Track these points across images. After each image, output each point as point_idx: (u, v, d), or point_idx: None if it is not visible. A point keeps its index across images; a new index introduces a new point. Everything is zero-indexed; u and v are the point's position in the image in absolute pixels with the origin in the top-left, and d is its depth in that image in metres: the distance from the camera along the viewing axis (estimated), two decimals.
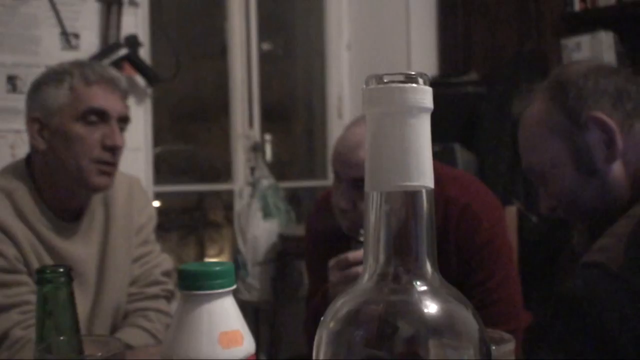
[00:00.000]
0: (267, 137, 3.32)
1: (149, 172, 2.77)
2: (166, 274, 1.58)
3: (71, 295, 0.77)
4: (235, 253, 3.00)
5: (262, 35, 3.24)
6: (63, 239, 1.44)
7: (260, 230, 2.96)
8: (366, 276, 0.46)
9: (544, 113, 1.11)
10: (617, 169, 1.06)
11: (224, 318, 0.60)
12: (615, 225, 0.97)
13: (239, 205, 3.06)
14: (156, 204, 2.87)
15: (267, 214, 2.98)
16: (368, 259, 0.47)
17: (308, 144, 3.70)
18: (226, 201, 3.23)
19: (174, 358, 0.59)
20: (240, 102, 3.16)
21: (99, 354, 0.70)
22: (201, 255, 3.31)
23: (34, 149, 1.45)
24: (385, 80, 0.45)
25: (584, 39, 2.61)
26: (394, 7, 3.21)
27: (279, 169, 3.28)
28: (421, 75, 0.45)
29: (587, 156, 1.07)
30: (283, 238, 2.98)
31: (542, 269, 2.17)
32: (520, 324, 1.38)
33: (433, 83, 0.47)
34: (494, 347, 0.70)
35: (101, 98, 1.42)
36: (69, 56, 2.38)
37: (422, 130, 0.45)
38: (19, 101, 2.32)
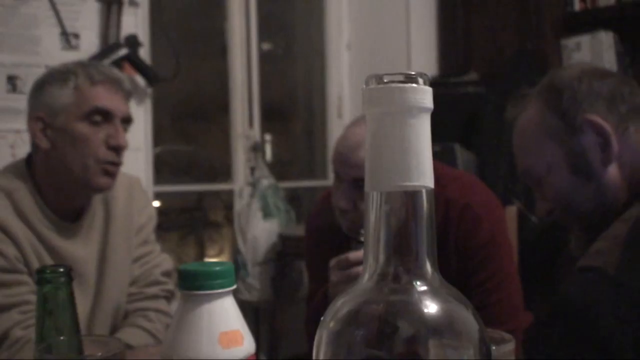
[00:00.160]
0: (267, 137, 3.32)
1: (149, 172, 2.77)
2: (166, 274, 1.58)
3: (71, 295, 0.77)
4: (235, 253, 3.00)
5: (262, 35, 3.24)
6: (63, 239, 1.44)
7: (260, 230, 2.96)
8: (366, 276, 0.47)
9: (539, 117, 1.11)
10: (612, 171, 1.06)
11: (224, 318, 0.60)
12: (611, 228, 0.97)
13: (239, 205, 3.06)
14: (156, 204, 2.87)
15: (267, 214, 2.98)
16: (368, 259, 0.47)
17: (308, 144, 3.70)
18: (226, 201, 3.23)
19: (174, 358, 0.59)
20: (240, 102, 3.16)
21: (99, 354, 0.70)
22: (201, 255, 3.31)
23: (36, 148, 1.45)
24: (385, 80, 0.45)
25: (584, 39, 2.61)
26: (394, 7, 3.21)
27: (279, 169, 3.28)
28: (421, 75, 0.45)
29: (583, 159, 1.07)
30: (283, 238, 2.98)
31: (542, 269, 2.17)
32: (520, 324, 1.38)
33: (433, 83, 0.47)
34: (494, 347, 0.70)
35: (106, 98, 1.43)
36: (69, 56, 2.38)
37: (422, 130, 0.45)
38: (19, 101, 2.32)
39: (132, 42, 2.62)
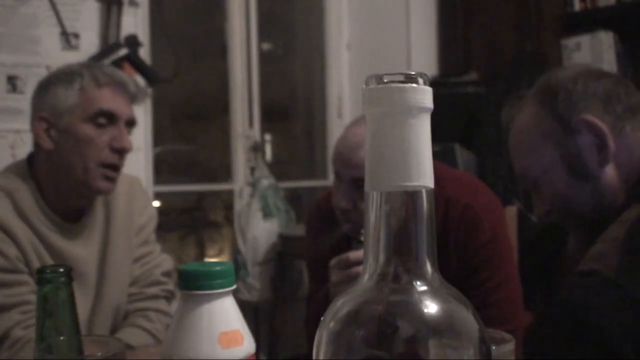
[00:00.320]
0: (267, 137, 3.33)
1: (149, 172, 2.77)
2: (166, 274, 1.58)
3: (71, 296, 0.77)
4: (235, 253, 3.00)
5: (262, 35, 3.24)
6: (64, 239, 1.44)
7: (260, 230, 2.96)
8: (366, 276, 0.47)
9: (534, 119, 1.11)
10: (609, 172, 1.06)
11: (224, 318, 0.60)
12: (609, 230, 0.97)
13: (239, 205, 3.07)
14: (156, 204, 2.87)
15: (267, 214, 2.98)
16: (368, 259, 0.47)
17: (308, 144, 3.70)
18: (226, 201, 3.24)
19: (174, 358, 0.59)
20: (240, 102, 3.16)
21: (99, 354, 0.70)
22: (201, 255, 3.31)
23: (38, 148, 1.45)
24: (385, 80, 0.45)
25: (584, 39, 2.61)
26: (394, 7, 3.21)
27: (279, 169, 3.28)
28: (421, 75, 0.45)
29: (579, 160, 1.07)
30: (283, 238, 2.98)
31: (542, 269, 2.17)
32: (520, 324, 1.38)
33: (433, 83, 0.47)
34: (494, 347, 0.70)
35: (111, 100, 1.43)
36: (69, 56, 2.38)
37: (422, 130, 0.45)
38: (19, 101, 2.33)
39: (132, 42, 2.62)
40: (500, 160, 2.61)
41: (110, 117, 1.42)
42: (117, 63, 2.52)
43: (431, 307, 0.44)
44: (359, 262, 1.20)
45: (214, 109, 3.34)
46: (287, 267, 3.03)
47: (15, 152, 2.34)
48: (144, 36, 2.70)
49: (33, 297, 1.18)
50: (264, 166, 3.11)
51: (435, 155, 0.48)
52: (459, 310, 0.45)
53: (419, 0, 3.20)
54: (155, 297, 1.54)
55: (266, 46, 3.39)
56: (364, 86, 0.46)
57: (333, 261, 1.27)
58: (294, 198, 3.37)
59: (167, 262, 1.61)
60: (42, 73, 2.10)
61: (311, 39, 3.55)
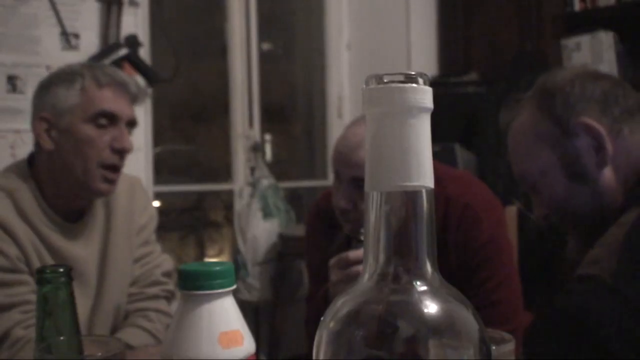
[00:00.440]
0: (267, 137, 3.33)
1: (149, 172, 2.77)
2: (167, 274, 1.58)
3: (71, 295, 0.77)
4: (235, 253, 3.00)
5: (262, 35, 3.24)
6: (64, 239, 1.44)
7: (260, 230, 2.96)
8: (366, 276, 0.47)
9: (532, 121, 1.11)
10: (607, 174, 1.06)
11: (224, 318, 0.60)
12: (607, 234, 0.97)
13: (239, 205, 3.07)
14: (156, 204, 2.87)
15: (267, 214, 2.98)
16: (368, 259, 0.47)
17: (308, 144, 3.70)
18: (226, 201, 3.24)
19: (174, 358, 0.59)
20: (240, 102, 3.16)
21: (99, 354, 0.70)
22: (201, 255, 3.31)
23: (39, 148, 1.45)
24: (385, 80, 0.45)
25: (584, 39, 2.61)
26: (394, 7, 3.21)
27: (279, 169, 3.28)
28: (421, 75, 0.45)
29: (577, 163, 1.06)
30: (283, 238, 2.98)
31: (542, 269, 2.17)
32: (520, 324, 1.38)
33: (433, 83, 0.47)
34: (494, 347, 0.70)
35: (112, 101, 1.42)
36: (69, 56, 2.38)
37: (422, 130, 0.45)
38: (19, 101, 2.33)
39: (132, 42, 2.62)
40: (500, 160, 2.61)
41: (111, 118, 1.42)
42: (117, 63, 2.52)
43: (431, 307, 0.44)
44: (358, 262, 1.21)
45: (214, 109, 3.34)
46: (287, 267, 3.03)
47: (15, 152, 2.34)
48: (144, 36, 2.70)
49: (33, 297, 1.18)
50: (264, 166, 3.11)
51: (435, 155, 0.48)
52: (459, 310, 0.45)
53: (419, 0, 3.20)
54: (155, 297, 1.54)
55: (266, 46, 3.39)
56: (364, 86, 0.46)
57: (332, 260, 1.27)
58: (294, 198, 3.37)
59: (167, 262, 1.61)
60: (42, 73, 2.11)
61: (311, 39, 3.55)
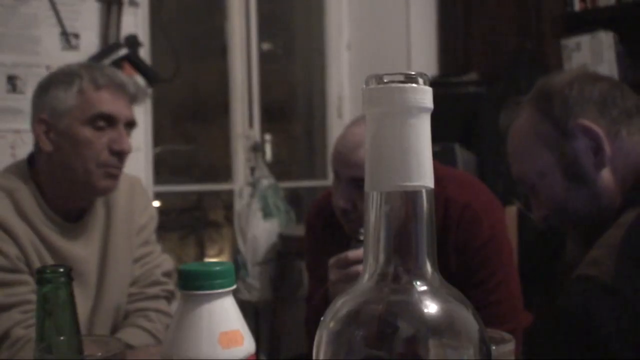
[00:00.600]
0: (267, 137, 3.33)
1: (149, 172, 2.77)
2: (167, 274, 1.58)
3: (71, 295, 0.77)
4: (235, 253, 3.00)
5: (262, 35, 3.24)
6: (64, 239, 1.44)
7: (260, 230, 2.96)
8: (366, 276, 0.47)
9: (531, 124, 1.11)
10: (606, 175, 1.06)
11: (224, 318, 0.60)
12: (605, 235, 0.97)
13: (239, 205, 3.06)
14: (156, 204, 2.87)
15: (267, 214, 2.98)
16: (368, 259, 0.47)
17: (308, 144, 3.70)
18: (226, 201, 3.24)
19: (174, 358, 0.59)
20: (240, 102, 3.16)
21: (99, 354, 0.70)
22: (201, 255, 3.31)
23: (39, 149, 1.45)
24: (385, 80, 0.45)
25: (584, 39, 2.61)
26: (394, 7, 3.21)
27: (279, 169, 3.28)
28: (421, 75, 0.45)
29: (576, 164, 1.07)
30: (283, 238, 2.98)
31: (542, 269, 2.17)
32: (520, 324, 1.38)
33: (433, 83, 0.47)
34: (494, 347, 0.70)
35: (110, 103, 1.42)
36: (69, 56, 2.38)
37: (422, 130, 0.45)
38: (19, 101, 2.33)
39: (132, 42, 2.62)
40: (500, 160, 2.61)
41: (109, 120, 1.42)
42: (117, 63, 2.52)
43: (431, 307, 0.44)
44: (357, 261, 1.21)
45: (214, 109, 3.34)
46: (287, 267, 3.03)
47: (15, 152, 2.34)
48: (144, 36, 2.70)
49: (33, 297, 1.18)
50: (264, 166, 3.11)
51: (435, 155, 0.48)
52: (459, 310, 0.45)
53: (419, 0, 3.20)
54: (155, 297, 1.54)
55: (266, 46, 3.39)
56: (364, 86, 0.46)
57: (332, 260, 1.27)
58: (294, 198, 3.37)
59: (167, 262, 1.61)
60: (42, 73, 2.10)
61: (311, 39, 3.55)
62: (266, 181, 3.03)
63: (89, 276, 1.47)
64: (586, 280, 0.92)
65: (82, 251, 1.46)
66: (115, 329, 1.51)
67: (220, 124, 3.23)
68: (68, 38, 2.51)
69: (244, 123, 3.17)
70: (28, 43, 2.44)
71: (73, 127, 1.40)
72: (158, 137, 2.90)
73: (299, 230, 2.64)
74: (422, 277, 0.45)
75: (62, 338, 0.74)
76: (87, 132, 1.40)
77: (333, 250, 1.30)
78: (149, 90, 2.73)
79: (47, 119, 1.41)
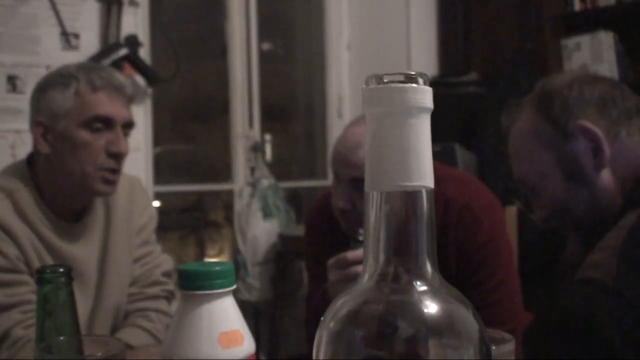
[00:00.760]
0: (267, 137, 3.32)
1: (149, 172, 2.77)
2: (166, 274, 1.58)
3: (71, 295, 0.77)
4: (235, 253, 3.00)
5: (262, 35, 3.24)
6: (64, 239, 1.44)
7: (260, 230, 2.96)
8: (366, 276, 0.47)
9: (531, 125, 1.12)
10: (605, 176, 1.07)
11: (224, 318, 0.60)
12: (606, 237, 0.97)
13: (239, 205, 3.06)
14: (156, 204, 2.87)
15: (267, 214, 2.98)
16: (368, 259, 0.47)
17: (308, 144, 3.70)
18: (226, 201, 3.24)
19: (174, 358, 0.59)
20: (240, 102, 3.16)
21: (99, 354, 0.70)
22: (201, 255, 3.31)
23: (37, 150, 1.45)
24: (385, 80, 0.45)
25: (584, 39, 2.61)
26: (394, 7, 3.21)
27: (279, 169, 3.28)
28: (421, 75, 0.45)
29: (575, 165, 1.07)
30: (283, 238, 2.98)
31: (542, 269, 2.17)
32: (520, 324, 1.38)
33: (433, 83, 0.47)
34: (494, 347, 0.70)
35: (107, 105, 1.41)
36: (69, 56, 2.38)
37: (422, 130, 0.45)
38: (19, 101, 2.33)
39: (132, 42, 2.62)
40: (500, 160, 2.61)
41: (107, 122, 1.41)
42: (117, 63, 2.52)
43: (431, 307, 0.44)
44: (357, 262, 1.21)
45: (214, 109, 3.34)
46: (287, 267, 3.03)
47: (15, 152, 2.34)
48: (144, 36, 2.71)
49: (33, 297, 1.18)
50: (264, 166, 3.11)
51: (435, 155, 0.48)
52: (459, 310, 0.45)
53: (419, 0, 3.20)
54: (155, 297, 1.54)
55: (266, 46, 3.39)
56: (364, 86, 0.46)
57: (331, 261, 1.27)
58: (294, 198, 3.37)
59: (167, 262, 1.61)
60: (42, 73, 2.10)
61: (311, 39, 3.55)
62: (266, 181, 3.03)
63: (89, 276, 1.47)
64: (588, 283, 0.92)
65: (82, 251, 1.46)
66: (115, 329, 1.51)
67: (220, 124, 3.23)
68: (68, 38, 2.51)
69: (244, 123, 3.17)
70: (28, 43, 2.44)
71: (70, 130, 1.40)
72: (158, 137, 2.90)
73: (299, 230, 2.64)
74: (422, 277, 0.45)
75: (62, 338, 0.74)
76: (84, 135, 1.40)
77: (333, 251, 1.30)
78: (149, 90, 2.74)
79: (44, 122, 1.41)
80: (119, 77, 1.48)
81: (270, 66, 3.38)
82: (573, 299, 0.93)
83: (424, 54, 3.19)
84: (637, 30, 2.54)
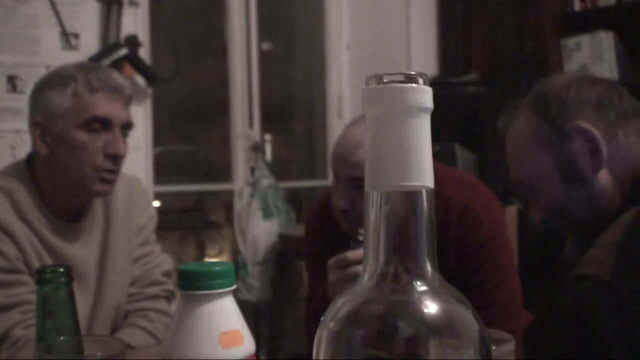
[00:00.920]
0: (267, 137, 3.32)
1: (149, 172, 2.77)
2: (166, 274, 1.58)
3: (71, 295, 0.77)
4: (235, 253, 3.00)
5: (262, 35, 3.24)
6: (63, 240, 1.44)
7: (260, 230, 2.96)
8: (366, 276, 0.47)
9: (529, 126, 1.12)
10: (603, 177, 1.07)
11: (224, 318, 0.60)
12: (604, 235, 0.98)
13: (239, 205, 3.06)
14: (156, 204, 2.87)
15: (267, 214, 2.98)
16: (368, 259, 0.47)
17: (308, 144, 3.70)
18: (226, 201, 3.24)
19: (174, 358, 0.59)
20: (240, 102, 3.16)
21: (99, 354, 0.70)
22: (201, 255, 3.31)
23: (36, 151, 1.45)
24: (385, 80, 0.45)
25: (584, 39, 2.61)
26: (394, 7, 3.21)
27: (279, 169, 3.28)
28: (421, 75, 0.45)
29: (573, 166, 1.08)
30: (283, 238, 2.98)
31: (542, 269, 2.17)
32: (520, 324, 1.38)
33: (433, 83, 0.47)
34: (494, 347, 0.70)
35: (105, 106, 1.41)
36: (69, 56, 2.38)
37: (422, 130, 0.45)
38: (19, 101, 2.33)
39: (132, 42, 2.62)
40: (500, 160, 2.60)
41: (105, 123, 1.41)
42: (117, 63, 2.52)
43: (431, 307, 0.44)
44: (357, 262, 1.21)
45: (214, 109, 3.34)
46: (287, 267, 3.03)
47: (15, 152, 2.34)
48: (144, 36, 2.70)
49: (33, 297, 1.18)
50: (264, 166, 3.11)
51: (435, 155, 0.48)
52: (459, 310, 0.45)
53: (419, 0, 3.20)
54: (155, 297, 1.54)
55: (266, 46, 3.39)
56: (364, 86, 0.46)
57: (331, 261, 1.27)
58: (294, 198, 3.37)
59: (167, 262, 1.61)
60: (42, 73, 2.09)
61: (311, 39, 3.55)
62: (266, 181, 3.03)
63: (89, 276, 1.47)
64: (584, 279, 0.92)
65: (82, 251, 1.46)
66: (115, 329, 1.51)
67: (220, 124, 3.23)
68: (68, 38, 2.51)
69: (244, 123, 3.17)
70: (28, 43, 2.44)
71: (68, 131, 1.40)
72: (158, 137, 2.90)
73: (299, 230, 2.64)
74: (422, 277, 0.45)
75: (62, 338, 0.74)
76: (82, 136, 1.40)
77: (333, 251, 1.30)
78: (149, 90, 2.74)
79: (42, 122, 1.41)
80: (118, 77, 1.47)
81: (270, 66, 3.38)
82: (569, 295, 0.93)
83: (424, 54, 3.19)
84: (637, 30, 2.55)
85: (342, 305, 0.46)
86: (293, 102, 3.68)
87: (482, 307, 1.33)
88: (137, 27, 2.67)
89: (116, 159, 1.42)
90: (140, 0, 2.69)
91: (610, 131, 1.07)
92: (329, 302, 0.48)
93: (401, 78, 0.45)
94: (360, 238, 1.24)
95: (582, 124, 1.06)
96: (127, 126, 1.46)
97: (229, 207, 3.18)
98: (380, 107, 0.45)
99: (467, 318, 0.45)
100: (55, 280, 0.76)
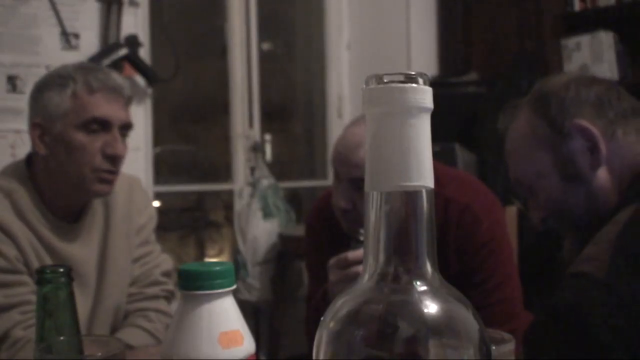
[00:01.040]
0: (267, 137, 3.32)
1: (149, 172, 2.77)
2: (166, 274, 1.58)
3: (71, 296, 0.77)
4: (235, 253, 3.00)
5: (262, 35, 3.24)
6: (63, 240, 1.44)
7: (260, 230, 2.96)
8: (366, 276, 0.47)
9: (528, 126, 1.13)
10: (602, 175, 1.07)
11: (224, 318, 0.60)
12: (600, 232, 0.98)
13: (239, 205, 3.06)
14: (156, 204, 2.87)
15: (267, 214, 2.98)
16: (368, 259, 0.47)
17: (308, 144, 3.70)
18: (226, 201, 3.23)
19: (174, 358, 0.59)
20: (240, 102, 3.16)
21: (99, 354, 0.70)
22: (201, 255, 3.31)
23: (36, 151, 1.45)
24: (385, 80, 0.45)
25: (584, 39, 2.61)
26: (394, 7, 3.21)
27: (279, 169, 3.28)
28: (421, 75, 0.45)
29: (572, 164, 1.08)
30: (283, 238, 2.98)
31: (542, 269, 2.17)
32: (520, 324, 1.38)
33: (433, 83, 0.47)
34: (494, 347, 0.70)
35: (104, 107, 1.41)
36: (69, 56, 2.38)
37: (422, 130, 0.45)
38: (19, 101, 2.33)
39: (132, 42, 2.62)
40: (500, 160, 2.60)
41: (104, 124, 1.41)
42: (117, 63, 2.52)
43: (431, 307, 0.44)
44: (357, 262, 1.21)
45: (214, 109, 3.34)
46: (287, 267, 3.03)
47: (15, 152, 2.34)
48: (144, 36, 2.70)
49: (33, 297, 1.18)
50: (264, 166, 3.11)
51: (435, 155, 0.48)
52: (459, 310, 0.45)
53: (419, 0, 3.20)
54: (155, 297, 1.54)
55: (266, 46, 3.39)
56: (364, 86, 0.46)
57: (332, 261, 1.27)
58: (294, 198, 3.37)
59: (167, 262, 1.61)
60: (42, 73, 2.09)
61: (311, 39, 3.55)
62: (266, 181, 3.03)
63: (89, 276, 1.47)
64: (580, 276, 0.92)
65: (81, 251, 1.46)
66: (115, 329, 1.51)
67: (220, 124, 3.23)
68: (68, 38, 2.51)
69: (244, 123, 3.17)
70: (28, 43, 2.44)
71: (66, 132, 1.40)
72: (158, 137, 2.90)
73: (299, 230, 2.64)
74: (422, 277, 0.45)
75: (62, 338, 0.74)
76: (80, 137, 1.40)
77: (333, 251, 1.30)
78: (149, 90, 2.74)
79: (41, 123, 1.41)
80: (117, 78, 1.47)
81: (270, 66, 3.38)
82: (565, 293, 0.93)
83: (424, 54, 3.19)
84: (637, 30, 2.55)
85: (342, 305, 0.46)
86: (293, 102, 3.68)
87: (482, 307, 1.33)
88: (137, 27, 2.67)
89: (115, 159, 1.42)
90: (140, 0, 2.69)
91: (609, 130, 1.07)
92: (329, 302, 0.48)
93: (401, 78, 0.45)
94: (361, 238, 1.24)
95: (581, 123, 1.07)
96: (126, 127, 1.46)
97: (229, 207, 3.18)
98: (380, 107, 0.45)
99: (467, 318, 0.45)
100: (55, 281, 0.76)
